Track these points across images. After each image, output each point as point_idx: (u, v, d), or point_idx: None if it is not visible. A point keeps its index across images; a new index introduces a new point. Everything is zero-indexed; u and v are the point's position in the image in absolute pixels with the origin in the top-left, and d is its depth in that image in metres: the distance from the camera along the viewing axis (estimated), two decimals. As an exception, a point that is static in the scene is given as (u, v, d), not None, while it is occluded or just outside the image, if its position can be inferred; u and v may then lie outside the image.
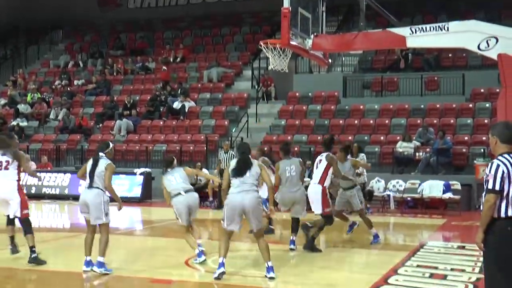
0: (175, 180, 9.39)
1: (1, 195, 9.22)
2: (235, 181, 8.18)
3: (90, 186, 8.57)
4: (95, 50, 31.59)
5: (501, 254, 5.28)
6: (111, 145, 9.04)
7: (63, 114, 26.36)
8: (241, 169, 8.19)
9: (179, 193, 9.28)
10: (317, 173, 10.67)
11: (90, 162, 8.77)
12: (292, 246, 10.51)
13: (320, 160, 10.70)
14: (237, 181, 8.15)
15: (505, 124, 5.56)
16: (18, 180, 9.26)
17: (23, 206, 9.17)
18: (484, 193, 5.35)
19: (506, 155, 5.36)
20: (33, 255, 9.08)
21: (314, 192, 10.57)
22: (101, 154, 8.74)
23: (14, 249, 9.64)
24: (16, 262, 9.54)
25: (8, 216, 9.53)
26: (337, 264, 9.75)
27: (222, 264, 8.08)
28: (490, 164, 5.38)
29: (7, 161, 9.21)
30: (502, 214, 5.28)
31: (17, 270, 8.94)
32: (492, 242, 5.31)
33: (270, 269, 8.16)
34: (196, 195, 9.51)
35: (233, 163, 8.37)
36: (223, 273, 8.05)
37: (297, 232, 10.62)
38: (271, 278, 8.11)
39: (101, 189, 8.56)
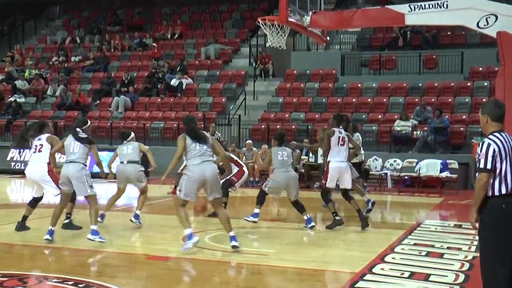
0: (126, 150, 10.61)
1: (33, 176, 9.75)
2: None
3: (72, 160, 8.94)
4: (93, 26, 31.43)
5: (495, 232, 5.28)
6: (89, 122, 9.74)
7: (61, 90, 26.27)
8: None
9: (122, 162, 10.55)
10: (343, 150, 10.62)
11: (69, 138, 9.18)
12: (310, 224, 10.61)
13: (342, 138, 10.62)
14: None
15: (494, 103, 5.53)
16: (49, 163, 9.63)
17: (57, 184, 9.42)
18: (477, 172, 5.34)
19: (496, 134, 5.34)
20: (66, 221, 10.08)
21: (345, 167, 10.65)
22: (78, 129, 9.18)
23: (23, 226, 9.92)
24: (14, 237, 9.56)
25: (34, 197, 10.04)
26: (334, 242, 9.78)
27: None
28: (481, 143, 5.36)
29: (41, 145, 9.72)
30: (496, 192, 5.29)
31: (15, 245, 8.95)
32: (486, 221, 5.32)
33: (233, 238, 8.39)
34: (136, 166, 10.64)
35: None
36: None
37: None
38: (234, 247, 8.33)
39: (83, 164, 8.98)
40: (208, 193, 8.41)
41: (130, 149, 10.65)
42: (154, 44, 27.58)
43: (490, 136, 5.34)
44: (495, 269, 5.27)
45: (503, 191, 5.29)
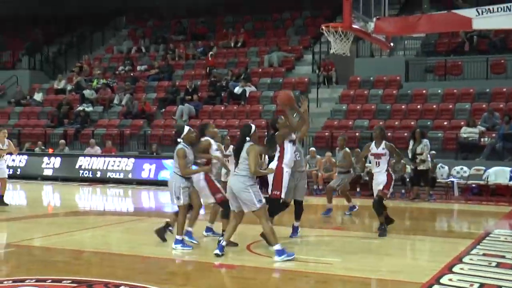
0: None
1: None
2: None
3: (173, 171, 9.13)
4: (157, 35, 32.00)
5: None
6: (186, 129, 9.19)
7: (127, 99, 26.83)
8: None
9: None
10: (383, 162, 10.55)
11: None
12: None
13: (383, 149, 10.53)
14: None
15: None
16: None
17: (213, 191, 9.41)
18: None
19: None
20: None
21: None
22: (179, 140, 9.12)
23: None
24: (83, 244, 9.80)
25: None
26: (400, 252, 9.64)
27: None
28: None
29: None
30: None
31: (83, 252, 9.17)
32: None
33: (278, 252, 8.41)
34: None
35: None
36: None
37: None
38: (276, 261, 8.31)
39: (176, 173, 9.01)
40: None
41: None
42: (211, 53, 27.88)
43: None
44: None
45: None
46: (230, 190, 8.59)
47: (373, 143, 10.69)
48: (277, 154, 9.64)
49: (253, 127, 8.80)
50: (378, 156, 10.53)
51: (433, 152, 18.25)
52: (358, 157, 11.29)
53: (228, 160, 15.96)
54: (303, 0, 30.77)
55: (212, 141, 9.70)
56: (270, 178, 9.57)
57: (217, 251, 8.52)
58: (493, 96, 21.55)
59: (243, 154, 8.46)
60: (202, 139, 9.57)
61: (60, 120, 26.70)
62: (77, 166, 22.28)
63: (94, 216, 14.02)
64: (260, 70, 26.98)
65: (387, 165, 10.58)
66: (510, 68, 22.22)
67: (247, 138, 8.61)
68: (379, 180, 10.51)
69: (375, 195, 10.67)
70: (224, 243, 8.59)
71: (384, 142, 10.58)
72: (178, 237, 9.01)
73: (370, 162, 18.37)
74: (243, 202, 8.46)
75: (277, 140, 9.61)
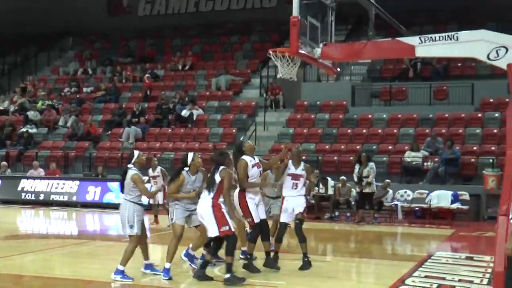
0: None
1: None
2: None
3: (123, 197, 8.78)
4: (105, 57, 31.74)
5: None
6: (136, 153, 8.84)
7: (72, 121, 26.44)
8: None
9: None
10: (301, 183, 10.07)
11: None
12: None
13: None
14: None
15: None
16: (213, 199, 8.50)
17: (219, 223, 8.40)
18: None
19: None
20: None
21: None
22: (129, 165, 8.72)
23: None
24: (23, 268, 9.55)
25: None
26: (345, 274, 9.71)
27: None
28: None
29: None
30: None
31: (23, 277, 8.93)
32: None
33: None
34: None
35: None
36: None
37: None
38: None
39: (128, 200, 8.59)
40: None
41: None
42: (147, 75, 27.81)
43: None
44: None
45: None
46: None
47: (290, 163, 9.89)
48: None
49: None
50: (296, 177, 9.84)
51: (388, 180, 18.52)
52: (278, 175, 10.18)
53: (156, 182, 16.04)
54: (252, 24, 31.04)
55: (251, 158, 9.29)
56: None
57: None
58: (436, 121, 22.05)
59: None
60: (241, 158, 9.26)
61: (2, 141, 26.11)
62: (19, 189, 21.78)
63: (36, 239, 13.69)
64: (207, 93, 27.00)
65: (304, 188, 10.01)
66: (452, 94, 22.78)
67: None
68: (300, 202, 9.78)
69: (291, 219, 9.79)
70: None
71: (302, 163, 10.01)
72: (120, 267, 8.54)
73: (317, 185, 18.56)
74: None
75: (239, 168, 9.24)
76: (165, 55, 31.00)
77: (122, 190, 8.71)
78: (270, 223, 10.00)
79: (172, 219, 8.86)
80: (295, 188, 9.79)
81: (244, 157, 9.28)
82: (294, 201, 9.74)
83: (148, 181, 16.41)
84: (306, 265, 9.61)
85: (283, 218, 9.74)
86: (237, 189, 9.35)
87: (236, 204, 9.26)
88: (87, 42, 33.83)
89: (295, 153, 9.99)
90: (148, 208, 15.16)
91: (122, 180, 8.66)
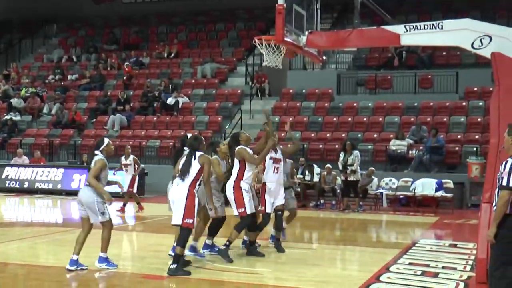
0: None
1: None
2: None
3: (86, 184, 8.42)
4: (89, 44, 31.52)
5: (510, 248, 5.63)
6: (106, 141, 8.65)
7: (57, 108, 26.29)
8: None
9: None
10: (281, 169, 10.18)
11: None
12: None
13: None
14: None
15: None
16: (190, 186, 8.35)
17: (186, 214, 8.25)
18: (498, 189, 5.68)
19: None
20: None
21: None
22: (96, 152, 8.47)
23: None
24: (8, 256, 9.52)
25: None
26: (330, 262, 9.76)
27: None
28: (504, 162, 5.71)
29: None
30: None
31: (8, 264, 8.91)
32: (503, 237, 5.64)
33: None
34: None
35: None
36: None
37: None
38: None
39: (89, 187, 8.26)
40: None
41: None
42: (127, 63, 27.59)
43: None
44: (503, 274, 5.63)
45: None
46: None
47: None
48: (235, 170, 9.32)
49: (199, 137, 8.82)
50: (277, 161, 9.86)
51: (372, 168, 18.59)
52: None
53: (127, 170, 16.02)
54: (237, 12, 30.95)
55: (248, 149, 9.36)
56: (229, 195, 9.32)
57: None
58: (421, 110, 22.16)
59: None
60: (237, 147, 9.27)
61: (-15, 129, 25.94)
62: (3, 176, 21.67)
63: (21, 227, 13.64)
64: (193, 81, 26.93)
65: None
66: (437, 83, 22.89)
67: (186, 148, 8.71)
68: (280, 192, 9.89)
69: (273, 208, 9.82)
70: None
71: (278, 148, 10.07)
72: (102, 254, 8.42)
73: (302, 173, 18.58)
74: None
75: (237, 157, 9.27)
76: (150, 43, 30.85)
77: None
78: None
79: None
80: (276, 172, 9.84)
81: (242, 146, 9.33)
82: (275, 191, 9.79)
83: (120, 169, 16.41)
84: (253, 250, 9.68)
85: (268, 209, 9.74)
86: (232, 180, 9.32)
87: (230, 195, 9.28)
88: (72, 29, 33.55)
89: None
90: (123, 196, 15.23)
91: (89, 167, 8.39)
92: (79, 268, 8.23)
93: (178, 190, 8.34)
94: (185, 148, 8.96)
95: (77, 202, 8.42)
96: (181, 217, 8.17)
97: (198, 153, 8.39)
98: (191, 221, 8.17)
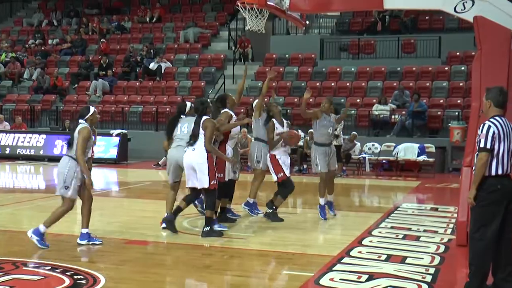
0: (186, 128, 8.72)
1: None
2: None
3: (66, 153, 7.85)
4: (70, 8, 31.05)
5: (489, 211, 5.69)
6: (91, 109, 8.01)
7: (38, 74, 26.00)
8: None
9: (179, 145, 8.73)
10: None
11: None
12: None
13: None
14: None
15: (499, 90, 5.91)
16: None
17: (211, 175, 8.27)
18: (477, 152, 5.74)
19: (497, 118, 5.76)
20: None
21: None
22: (81, 120, 7.85)
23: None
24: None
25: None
26: (313, 226, 9.84)
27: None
28: (482, 125, 5.77)
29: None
30: (493, 173, 5.70)
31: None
32: (482, 199, 5.70)
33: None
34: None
35: None
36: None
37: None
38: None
39: (71, 157, 7.72)
40: None
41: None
42: (103, 40, 27.09)
43: (491, 119, 5.75)
44: (482, 236, 5.70)
45: (499, 171, 5.70)
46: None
47: (275, 122, 10.01)
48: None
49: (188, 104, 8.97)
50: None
51: (354, 133, 18.62)
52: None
53: None
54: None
55: (232, 113, 9.39)
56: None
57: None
58: (404, 74, 22.19)
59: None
60: (222, 111, 9.28)
61: (-35, 95, 25.64)
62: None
63: (3, 193, 13.57)
64: (175, 46, 26.71)
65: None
66: (420, 47, 22.90)
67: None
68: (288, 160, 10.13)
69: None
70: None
71: (285, 121, 10.36)
72: (84, 230, 7.97)
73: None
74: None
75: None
76: (132, 7, 30.46)
77: (69, 145, 7.75)
78: None
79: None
80: (284, 146, 10.06)
81: (226, 110, 9.32)
82: (284, 160, 10.00)
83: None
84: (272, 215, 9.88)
85: (287, 173, 9.98)
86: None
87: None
88: (52, -7, 32.99)
89: (278, 113, 10.20)
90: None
91: (72, 135, 7.79)
92: (90, 243, 7.93)
93: (195, 155, 8.27)
94: (182, 115, 8.91)
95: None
96: (207, 180, 8.19)
97: (204, 117, 8.37)
98: (215, 182, 8.29)
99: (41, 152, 20.76)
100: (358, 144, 18.71)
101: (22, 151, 20.96)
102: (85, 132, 7.67)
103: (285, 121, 10.24)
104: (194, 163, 8.29)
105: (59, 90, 25.09)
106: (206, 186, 8.25)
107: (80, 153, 7.60)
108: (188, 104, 9.09)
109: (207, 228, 8.38)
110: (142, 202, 12.17)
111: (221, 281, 6.60)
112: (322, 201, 10.15)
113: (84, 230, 7.98)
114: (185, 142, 8.47)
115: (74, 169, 7.67)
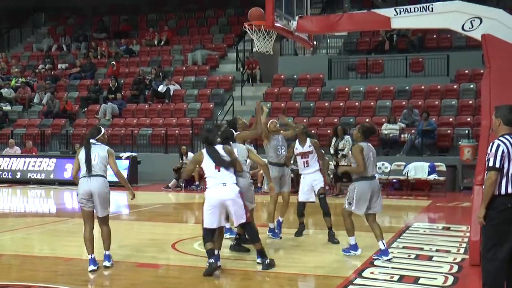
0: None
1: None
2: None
3: (91, 174, 7.80)
4: (79, 33, 31.32)
5: (500, 230, 5.64)
6: (103, 130, 8.29)
7: (47, 98, 26.15)
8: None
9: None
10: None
11: (82, 152, 7.97)
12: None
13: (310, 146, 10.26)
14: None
15: (509, 108, 5.88)
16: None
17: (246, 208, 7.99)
18: (486, 171, 5.73)
19: (507, 136, 5.75)
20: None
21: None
22: (92, 141, 8.02)
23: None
24: (1, 247, 9.49)
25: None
26: (324, 247, 9.77)
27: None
28: (491, 144, 5.76)
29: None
30: (503, 191, 5.65)
31: (2, 255, 8.88)
32: (492, 218, 5.65)
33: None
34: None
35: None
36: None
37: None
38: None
39: (105, 177, 7.90)
40: None
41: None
42: (113, 62, 27.12)
43: (501, 138, 5.75)
44: (494, 255, 5.63)
45: (509, 190, 5.64)
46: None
47: (297, 142, 10.26)
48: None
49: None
50: (305, 155, 10.07)
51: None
52: (287, 158, 10.41)
53: None
54: (227, -2, 30.83)
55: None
56: None
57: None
58: (413, 93, 22.17)
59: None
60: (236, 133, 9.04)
61: (-24, 120, 25.81)
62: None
63: (14, 218, 13.61)
64: (184, 68, 26.84)
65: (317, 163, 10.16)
66: (428, 66, 22.89)
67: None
68: (317, 177, 10.11)
69: (310, 198, 10.16)
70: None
71: (308, 139, 10.24)
72: (107, 252, 8.02)
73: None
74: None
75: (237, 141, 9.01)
76: (140, 30, 30.69)
77: (89, 168, 7.79)
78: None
79: None
80: (307, 166, 10.12)
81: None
82: (311, 177, 10.10)
83: None
84: (332, 238, 9.94)
85: (301, 198, 10.17)
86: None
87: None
88: (61, 18, 33.33)
89: (301, 132, 10.29)
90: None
91: (88, 156, 7.85)
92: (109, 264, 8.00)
93: (231, 190, 7.80)
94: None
95: (83, 193, 7.81)
96: (244, 214, 7.85)
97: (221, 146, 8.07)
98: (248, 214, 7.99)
99: (51, 176, 20.83)
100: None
101: (32, 175, 21.04)
102: (113, 152, 8.05)
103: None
104: (231, 198, 7.81)
105: (69, 114, 25.22)
106: (244, 220, 7.92)
107: (117, 169, 7.94)
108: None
109: (267, 261, 7.95)
110: (152, 225, 12.14)
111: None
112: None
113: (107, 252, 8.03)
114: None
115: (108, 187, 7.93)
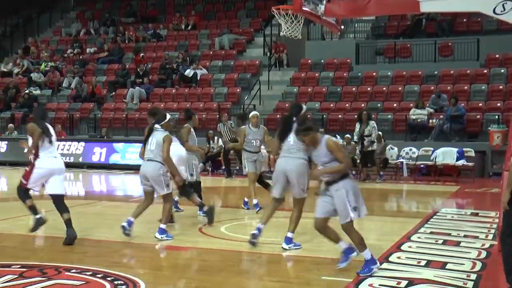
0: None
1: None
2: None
3: (146, 158, 8.69)
4: (107, 17, 31.50)
5: None
6: (168, 116, 8.97)
7: (76, 82, 26.40)
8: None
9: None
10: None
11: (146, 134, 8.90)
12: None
13: None
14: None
15: None
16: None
17: None
18: None
19: None
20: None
21: None
22: (157, 126, 8.76)
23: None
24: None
25: None
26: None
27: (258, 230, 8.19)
28: None
29: None
30: None
31: (32, 237, 9.03)
32: None
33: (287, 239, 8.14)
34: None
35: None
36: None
37: None
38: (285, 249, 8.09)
39: (159, 162, 8.58)
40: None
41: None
42: (142, 54, 26.84)
43: None
44: None
45: None
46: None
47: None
48: None
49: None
50: None
51: (379, 132, 18.04)
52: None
53: None
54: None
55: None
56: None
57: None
58: (441, 78, 21.94)
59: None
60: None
61: (7, 104, 26.14)
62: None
63: (44, 200, 13.77)
64: (211, 52, 26.86)
65: None
66: (457, 50, 22.61)
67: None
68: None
69: None
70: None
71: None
72: (163, 226, 8.68)
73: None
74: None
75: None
76: (168, 15, 30.76)
77: (146, 152, 8.67)
78: None
79: None
80: None
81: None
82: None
83: None
84: None
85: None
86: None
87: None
88: (89, 3, 33.53)
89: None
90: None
91: (146, 139, 8.71)
92: (164, 238, 8.59)
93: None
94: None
95: (141, 176, 8.76)
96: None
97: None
98: None
99: (80, 160, 21.06)
100: (396, 148, 18.57)
101: (62, 159, 21.21)
102: (170, 139, 8.72)
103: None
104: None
105: (97, 98, 25.44)
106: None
107: (166, 155, 8.54)
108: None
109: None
110: (181, 207, 12.20)
111: (259, 287, 6.58)
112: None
113: (164, 226, 8.69)
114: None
115: (164, 170, 8.62)
